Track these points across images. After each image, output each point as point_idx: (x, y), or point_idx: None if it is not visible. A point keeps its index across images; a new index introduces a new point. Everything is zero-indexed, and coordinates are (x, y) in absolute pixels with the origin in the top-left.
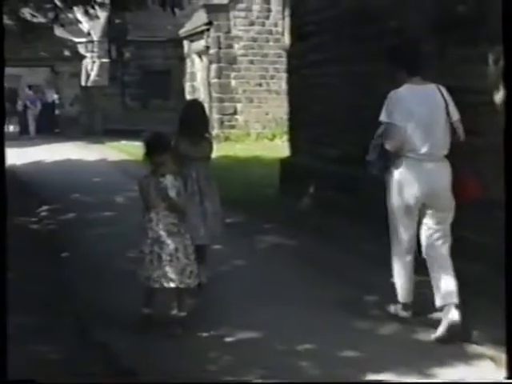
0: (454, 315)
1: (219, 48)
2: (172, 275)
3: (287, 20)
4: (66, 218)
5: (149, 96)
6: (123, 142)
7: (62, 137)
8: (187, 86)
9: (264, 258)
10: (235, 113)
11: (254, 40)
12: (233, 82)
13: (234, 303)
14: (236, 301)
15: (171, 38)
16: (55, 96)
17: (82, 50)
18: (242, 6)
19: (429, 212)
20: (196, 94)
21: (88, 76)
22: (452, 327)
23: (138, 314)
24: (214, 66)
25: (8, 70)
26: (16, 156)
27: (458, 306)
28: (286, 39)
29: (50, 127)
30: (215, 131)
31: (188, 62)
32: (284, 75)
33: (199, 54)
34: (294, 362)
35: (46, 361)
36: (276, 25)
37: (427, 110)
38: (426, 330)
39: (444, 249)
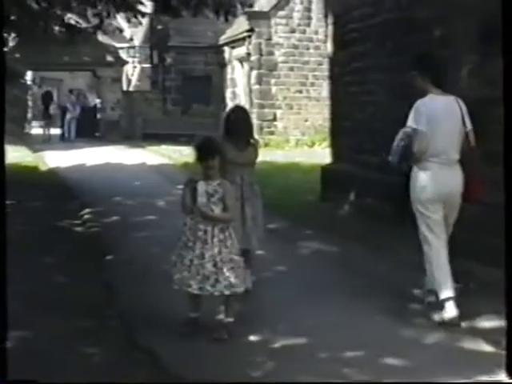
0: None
1: (260, 55)
2: (189, 281)
3: (330, 28)
4: (108, 220)
5: (189, 101)
6: (163, 147)
7: (102, 140)
8: (228, 92)
9: (306, 264)
10: (275, 119)
11: (295, 47)
12: (273, 89)
13: (277, 309)
14: (280, 307)
15: (212, 45)
16: (97, 100)
17: (123, 55)
18: (283, 13)
19: (445, 210)
20: (236, 100)
21: (129, 81)
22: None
23: (184, 318)
24: (254, 73)
25: (50, 74)
26: (59, 159)
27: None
28: (329, 47)
29: (91, 131)
30: (255, 137)
31: (229, 68)
32: (323, 82)
33: (240, 61)
34: (339, 369)
35: (94, 364)
36: (317, 32)
37: (448, 119)
38: (472, 339)
39: (446, 244)
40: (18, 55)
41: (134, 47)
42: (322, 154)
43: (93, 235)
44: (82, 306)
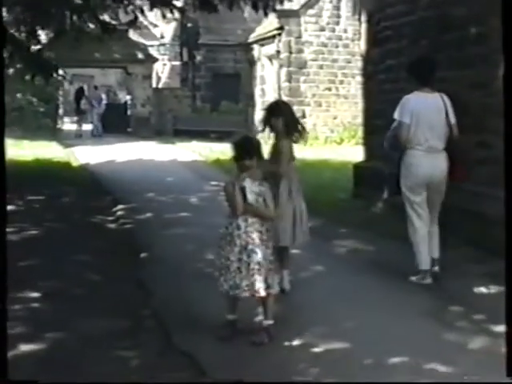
0: (436, 268)
1: (290, 52)
2: (260, 284)
3: (363, 26)
4: (142, 217)
5: (218, 98)
6: (194, 143)
7: (133, 136)
8: (257, 90)
9: (344, 263)
10: (304, 116)
11: (324, 45)
12: (302, 86)
13: (317, 310)
14: (319, 308)
15: (241, 42)
16: (128, 97)
17: (154, 52)
18: (312, 11)
19: (429, 192)
20: (266, 98)
21: (159, 78)
22: (435, 275)
23: (221, 320)
24: (284, 70)
25: (81, 71)
26: (90, 155)
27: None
28: (362, 44)
29: (123, 127)
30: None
31: (258, 66)
32: (352, 80)
33: (270, 58)
34: (383, 375)
35: (131, 367)
36: (346, 31)
37: (431, 112)
38: None
39: (435, 222)
40: (50, 52)
41: (164, 45)
42: (352, 152)
43: (126, 232)
44: (116, 305)
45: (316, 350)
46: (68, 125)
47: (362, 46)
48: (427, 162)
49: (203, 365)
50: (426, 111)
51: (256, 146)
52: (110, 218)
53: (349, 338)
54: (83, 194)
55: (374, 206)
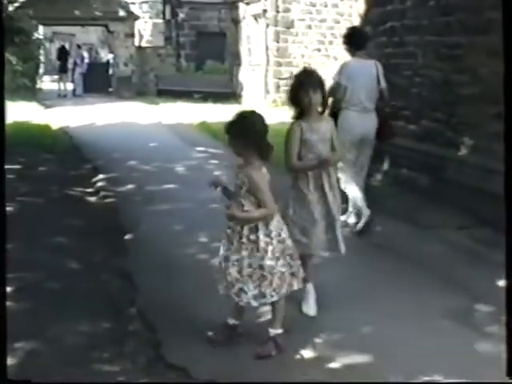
0: (367, 213)
1: (277, 11)
2: (218, 284)
3: None
4: (124, 189)
5: (203, 57)
6: (178, 103)
7: (115, 96)
8: (243, 49)
9: (350, 248)
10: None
11: (312, 4)
12: (290, 47)
13: (327, 311)
14: (328, 307)
15: (226, 0)
16: (110, 55)
17: (135, 10)
18: None
19: (362, 147)
20: (252, 57)
21: (141, 36)
22: (367, 223)
23: (220, 324)
24: (271, 30)
25: (62, 29)
26: (70, 116)
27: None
28: (361, 4)
29: (104, 86)
30: (271, 96)
31: (244, 25)
32: (341, 41)
33: (255, 17)
34: None
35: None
36: None
37: (364, 76)
38: None
39: (364, 173)
40: (29, 10)
41: (146, 2)
42: None
43: (107, 208)
44: (96, 303)
45: (333, 364)
46: (48, 84)
47: (360, 5)
48: (360, 121)
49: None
50: (360, 76)
51: (260, 126)
52: (90, 190)
53: (369, 348)
54: (61, 162)
55: (373, 178)
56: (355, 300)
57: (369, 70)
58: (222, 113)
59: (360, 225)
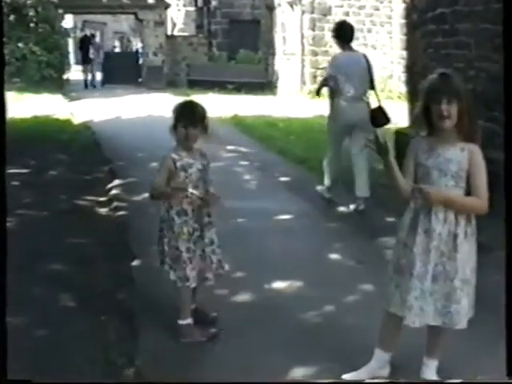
0: (361, 205)
1: None
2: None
3: None
4: (139, 199)
5: (236, 46)
6: (210, 95)
7: (145, 87)
8: (277, 37)
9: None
10: None
11: None
12: (327, 35)
13: None
14: None
15: None
16: (139, 45)
17: None
18: None
19: (355, 133)
20: (287, 46)
21: (174, 24)
22: (360, 212)
23: None
24: (307, 17)
25: (93, 18)
26: (96, 109)
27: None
28: None
29: (134, 77)
30: (308, 86)
31: (278, 12)
32: (381, 29)
33: (291, 4)
34: None
35: None
36: None
37: (354, 68)
38: None
39: (363, 156)
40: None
41: None
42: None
43: (117, 222)
44: (87, 357)
45: None
46: (78, 74)
47: None
48: (350, 109)
49: None
50: (350, 67)
51: (203, 112)
52: (102, 199)
53: None
54: (76, 164)
55: None
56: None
57: (358, 61)
58: (256, 105)
59: (356, 204)
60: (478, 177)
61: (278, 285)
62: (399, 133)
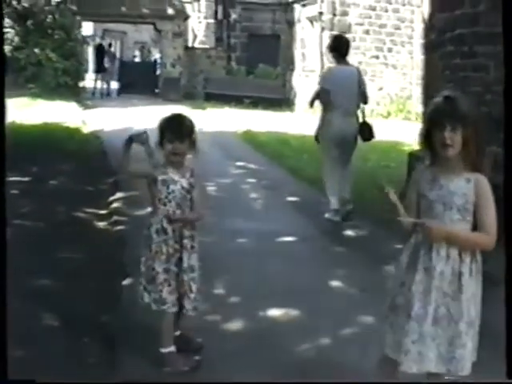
0: (349, 207)
1: (333, 14)
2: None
3: None
4: (140, 213)
5: (255, 61)
6: (226, 109)
7: (161, 98)
8: (297, 53)
9: None
10: None
11: (372, 8)
12: None
13: None
14: None
15: (281, 1)
16: (157, 55)
17: (189, 8)
18: None
19: (343, 146)
20: (306, 62)
21: (195, 36)
22: (348, 213)
23: None
24: (326, 34)
25: (113, 26)
26: (108, 118)
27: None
28: (426, 8)
29: (150, 87)
30: None
31: (298, 28)
32: (402, 49)
33: (311, 20)
34: None
35: None
36: None
37: (346, 82)
38: None
39: (349, 166)
40: (71, 6)
41: (198, 0)
42: (400, 130)
43: (115, 237)
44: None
45: None
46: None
47: (425, 9)
48: (342, 122)
49: None
50: (343, 81)
51: (192, 126)
52: (102, 212)
53: None
54: (79, 175)
55: None
56: None
57: (350, 75)
58: (272, 121)
59: (343, 212)
60: (485, 210)
61: (273, 313)
62: (412, 155)
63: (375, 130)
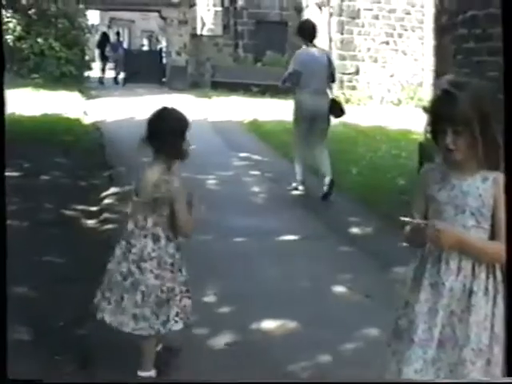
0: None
1: (342, 0)
2: None
3: None
4: None
5: (262, 48)
6: (233, 98)
7: (167, 87)
8: None
9: None
10: (357, 72)
11: None
12: (356, 39)
13: None
14: None
15: None
16: (163, 44)
17: None
18: None
19: (316, 123)
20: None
21: (203, 24)
22: (329, 187)
23: None
24: (334, 20)
25: (120, 15)
26: (111, 109)
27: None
28: None
29: (157, 76)
30: (335, 92)
31: (306, 14)
32: (412, 34)
33: (319, 6)
34: None
35: None
36: None
37: (315, 62)
38: None
39: (323, 140)
40: None
41: None
42: (411, 117)
43: (102, 237)
44: None
45: None
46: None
47: None
48: (311, 101)
49: None
50: (312, 62)
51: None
52: (93, 209)
53: None
54: (74, 169)
55: None
56: None
57: (318, 56)
58: (279, 109)
59: (324, 189)
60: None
61: (268, 325)
62: (424, 145)
63: (344, 106)
